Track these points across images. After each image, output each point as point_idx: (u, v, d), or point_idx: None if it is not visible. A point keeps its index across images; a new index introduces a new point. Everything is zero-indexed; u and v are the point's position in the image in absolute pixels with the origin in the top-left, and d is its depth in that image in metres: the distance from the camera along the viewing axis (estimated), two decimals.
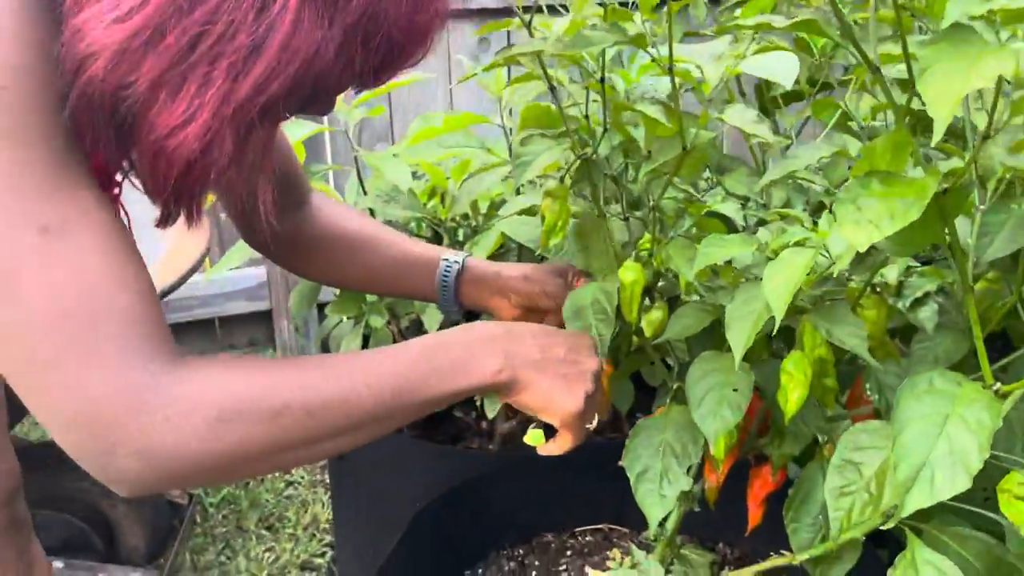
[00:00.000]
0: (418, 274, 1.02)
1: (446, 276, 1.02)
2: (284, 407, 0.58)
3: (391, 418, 0.65)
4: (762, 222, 0.89)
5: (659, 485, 0.88)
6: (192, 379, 0.56)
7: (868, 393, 0.89)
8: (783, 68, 0.78)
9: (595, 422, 0.80)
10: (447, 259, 1.03)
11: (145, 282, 0.57)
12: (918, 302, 0.86)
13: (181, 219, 0.66)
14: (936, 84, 0.47)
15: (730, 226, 0.92)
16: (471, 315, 1.10)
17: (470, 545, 1.27)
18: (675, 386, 0.94)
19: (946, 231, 0.65)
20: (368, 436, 0.65)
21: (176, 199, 0.61)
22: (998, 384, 0.72)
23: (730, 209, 0.79)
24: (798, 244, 0.70)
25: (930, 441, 0.67)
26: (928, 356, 0.87)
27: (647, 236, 0.89)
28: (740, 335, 0.71)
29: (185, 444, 0.54)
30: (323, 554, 1.78)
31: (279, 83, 0.55)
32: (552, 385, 0.73)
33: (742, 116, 0.73)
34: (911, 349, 0.87)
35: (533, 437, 0.80)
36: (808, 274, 0.66)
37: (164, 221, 0.65)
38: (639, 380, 1.42)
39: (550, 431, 0.84)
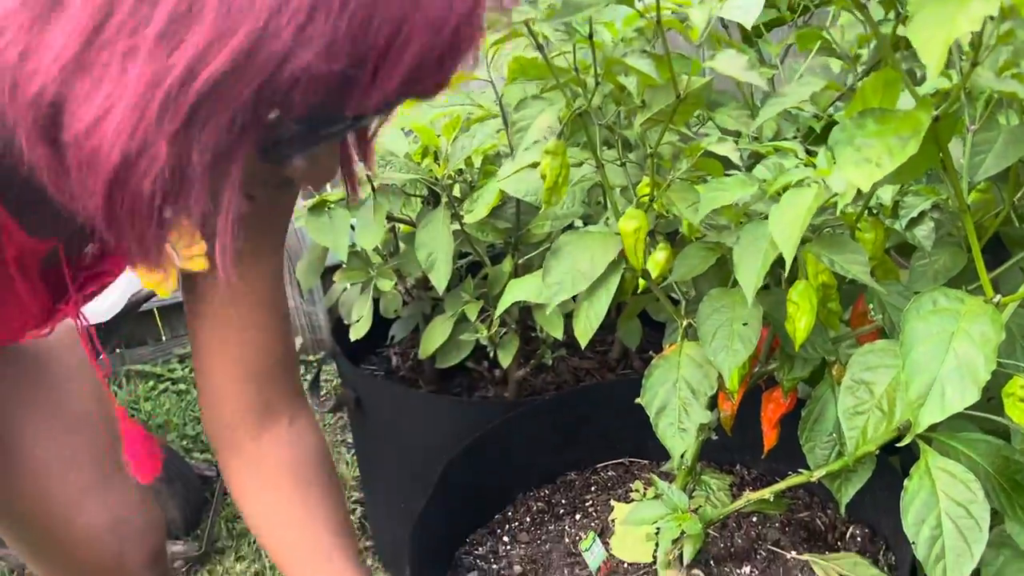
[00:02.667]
0: None
1: None
2: None
3: None
4: (757, 156, 0.91)
5: (678, 420, 0.92)
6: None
7: (872, 314, 0.92)
8: (745, 8, 0.78)
9: None
10: None
11: None
12: (914, 221, 0.88)
13: None
14: (925, 29, 0.49)
15: (726, 163, 0.94)
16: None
17: (497, 490, 1.31)
18: (684, 323, 0.97)
19: (940, 155, 0.67)
20: None
21: (124, 228, 0.47)
22: (998, 296, 0.75)
23: (726, 149, 0.81)
24: (799, 183, 0.72)
25: (939, 358, 0.70)
26: (927, 272, 0.90)
27: (646, 180, 0.91)
28: (750, 274, 0.74)
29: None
30: (353, 511, 1.83)
31: (223, 57, 0.42)
32: None
33: (733, 63, 0.74)
34: (911, 266, 0.90)
35: None
36: (810, 216, 0.68)
37: (139, 264, 0.50)
38: (645, 317, 1.45)
39: None
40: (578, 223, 1.23)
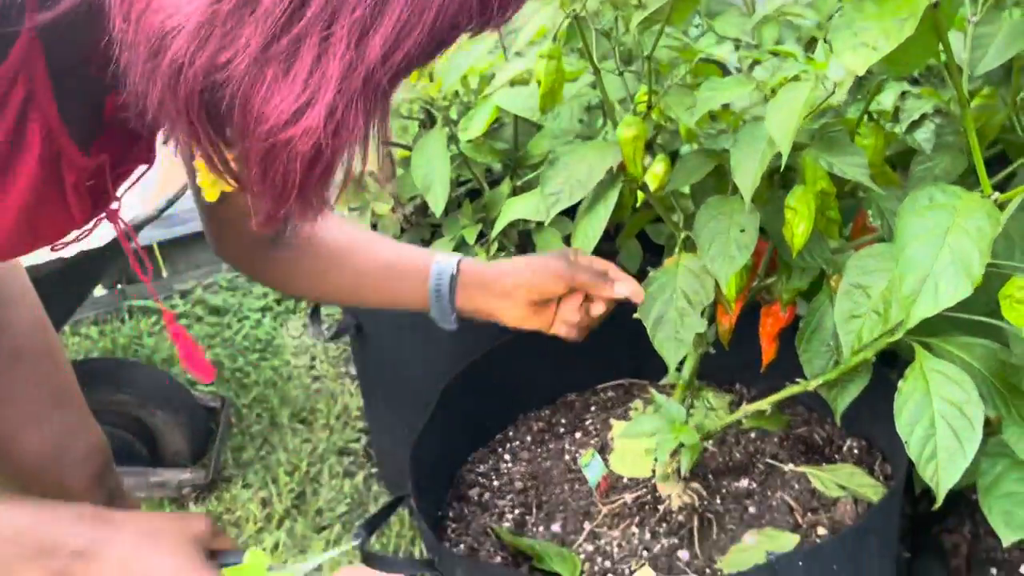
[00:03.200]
0: (407, 279, 0.94)
1: (439, 281, 0.94)
2: None
3: None
4: (756, 62, 0.90)
5: (675, 329, 0.92)
6: None
7: (871, 220, 0.92)
8: None
9: None
10: (439, 262, 0.94)
11: None
12: (915, 124, 0.87)
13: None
14: None
15: (725, 71, 0.93)
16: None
17: (497, 412, 1.32)
18: (683, 235, 0.97)
19: (940, 47, 0.66)
20: None
21: (295, 199, 0.49)
22: (996, 194, 0.74)
23: (724, 51, 0.80)
24: (795, 79, 0.71)
25: (933, 252, 0.70)
26: (928, 176, 0.89)
27: (643, 89, 0.90)
28: (747, 176, 0.73)
29: None
30: (358, 439, 1.86)
31: (414, 40, 0.44)
32: None
33: None
34: (911, 171, 0.89)
35: None
36: (807, 110, 0.67)
37: (270, 224, 0.52)
38: (645, 241, 1.45)
39: None
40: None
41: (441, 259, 0.95)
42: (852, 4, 0.61)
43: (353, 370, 2.02)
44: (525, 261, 0.96)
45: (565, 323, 0.97)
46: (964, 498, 1.10)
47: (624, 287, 0.94)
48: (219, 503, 1.70)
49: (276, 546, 1.58)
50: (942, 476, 0.79)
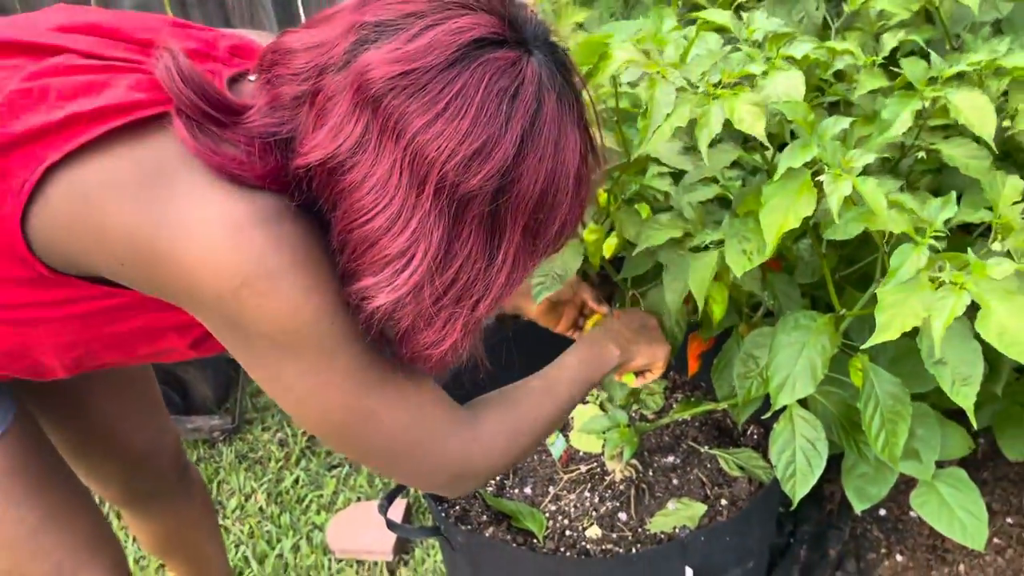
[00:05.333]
0: None
1: None
2: (532, 431, 0.92)
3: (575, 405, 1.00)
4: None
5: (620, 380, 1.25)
6: (482, 433, 0.86)
7: (767, 299, 1.24)
8: None
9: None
10: None
11: (433, 386, 0.83)
12: (798, 239, 1.18)
13: None
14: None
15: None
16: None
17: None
18: (630, 294, 1.29)
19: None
20: None
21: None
22: (843, 311, 1.07)
23: (663, 185, 1.09)
24: (718, 242, 1.01)
25: (793, 361, 1.03)
26: (807, 270, 1.21)
27: (603, 199, 1.19)
28: (673, 301, 1.05)
29: (491, 469, 0.88)
30: None
31: (500, 302, 0.71)
32: (644, 352, 1.11)
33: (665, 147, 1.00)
34: (798, 266, 1.21)
35: (627, 378, 1.19)
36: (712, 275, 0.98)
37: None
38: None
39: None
40: None
41: None
42: (740, 219, 0.91)
43: None
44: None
45: (566, 321, 1.30)
46: (838, 459, 1.46)
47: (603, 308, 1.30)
48: (244, 444, 2.04)
49: (296, 481, 1.93)
50: (798, 489, 1.15)
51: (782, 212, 0.79)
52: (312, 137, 0.67)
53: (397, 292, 0.68)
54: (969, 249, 0.79)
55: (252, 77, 0.78)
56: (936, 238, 0.81)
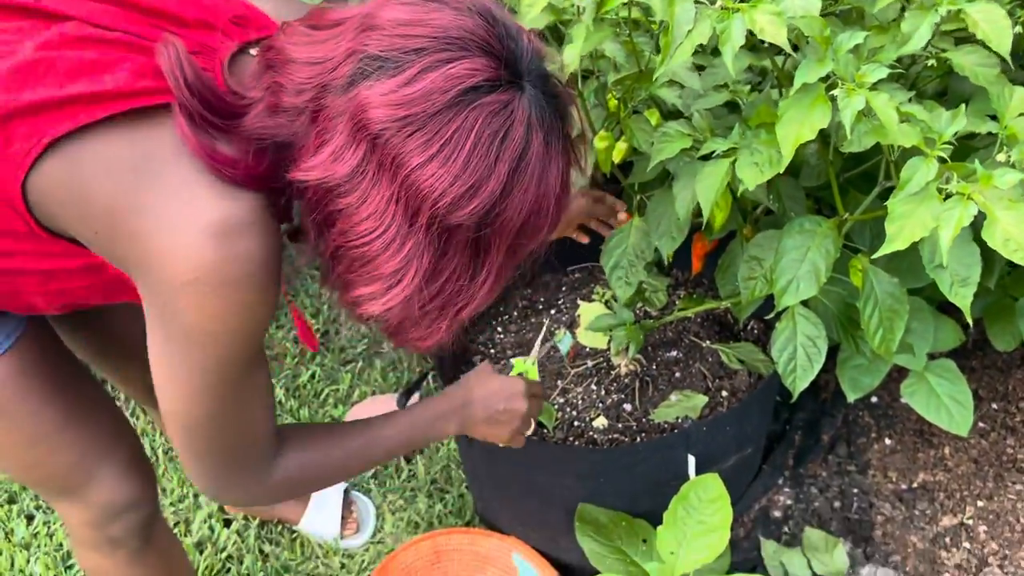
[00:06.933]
0: None
1: None
2: (330, 478, 0.98)
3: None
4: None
5: (625, 274, 1.29)
6: (277, 472, 0.92)
7: (772, 201, 1.27)
8: None
9: (530, 429, 1.21)
10: None
11: (270, 422, 0.89)
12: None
13: None
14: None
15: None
16: None
17: None
18: (637, 199, 1.31)
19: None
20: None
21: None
22: (847, 214, 1.11)
23: (671, 96, 1.10)
24: (731, 150, 1.03)
25: (798, 264, 1.07)
26: (813, 172, 1.23)
27: (613, 103, 1.21)
28: (682, 208, 1.08)
29: (262, 501, 0.95)
30: None
31: (481, 307, 0.79)
32: (492, 432, 1.14)
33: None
34: (802, 170, 1.23)
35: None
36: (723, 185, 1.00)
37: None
38: None
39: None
40: None
41: None
42: (752, 130, 0.93)
43: None
44: None
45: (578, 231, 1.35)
46: (833, 354, 1.52)
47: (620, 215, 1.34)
48: None
49: (313, 376, 2.00)
50: (798, 384, 1.21)
51: (797, 124, 0.81)
52: (314, 157, 0.72)
53: (388, 304, 0.75)
54: (976, 159, 0.82)
55: (253, 51, 0.81)
56: (944, 150, 0.83)
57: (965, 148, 1.03)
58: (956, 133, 0.83)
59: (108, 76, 0.75)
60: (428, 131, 0.69)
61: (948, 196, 0.80)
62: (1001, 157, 0.83)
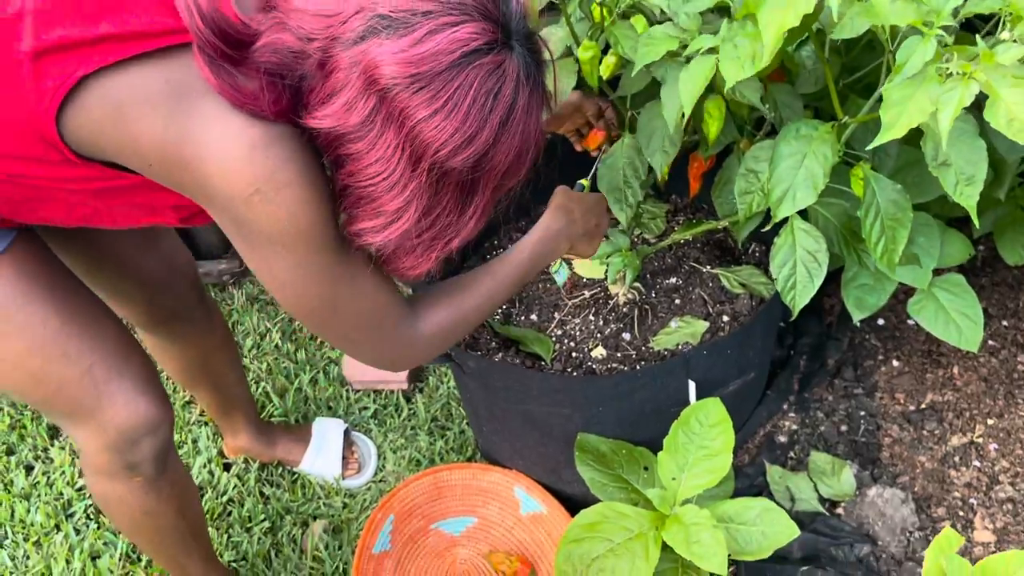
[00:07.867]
0: None
1: None
2: (471, 322, 1.07)
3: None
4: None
5: (623, 195, 1.25)
6: (423, 326, 1.02)
7: (768, 110, 1.21)
8: None
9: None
10: None
11: (391, 289, 0.97)
12: (801, 44, 1.14)
13: None
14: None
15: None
16: None
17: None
18: (628, 115, 1.26)
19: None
20: None
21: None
22: (845, 117, 1.05)
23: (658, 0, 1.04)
24: (711, 51, 0.98)
25: (794, 171, 1.02)
26: (810, 78, 1.18)
27: (596, 11, 1.15)
28: (670, 114, 1.02)
29: (429, 356, 1.06)
30: None
31: (468, 238, 0.88)
32: (585, 247, 1.23)
33: None
34: (799, 76, 1.18)
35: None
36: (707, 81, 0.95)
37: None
38: None
39: None
40: None
41: None
42: (737, 23, 0.87)
43: None
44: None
45: (570, 125, 1.33)
46: (837, 276, 1.48)
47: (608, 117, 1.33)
48: (254, 286, 2.07)
49: None
50: (798, 300, 1.17)
51: (781, 10, 0.75)
52: (327, 106, 0.80)
53: (388, 236, 0.86)
54: (978, 38, 0.76)
55: None
56: (944, 30, 0.78)
57: (965, 41, 0.97)
58: (957, 10, 0.77)
59: (136, 15, 0.81)
60: (433, 88, 0.78)
61: (948, 77, 0.74)
62: (1005, 36, 0.77)
